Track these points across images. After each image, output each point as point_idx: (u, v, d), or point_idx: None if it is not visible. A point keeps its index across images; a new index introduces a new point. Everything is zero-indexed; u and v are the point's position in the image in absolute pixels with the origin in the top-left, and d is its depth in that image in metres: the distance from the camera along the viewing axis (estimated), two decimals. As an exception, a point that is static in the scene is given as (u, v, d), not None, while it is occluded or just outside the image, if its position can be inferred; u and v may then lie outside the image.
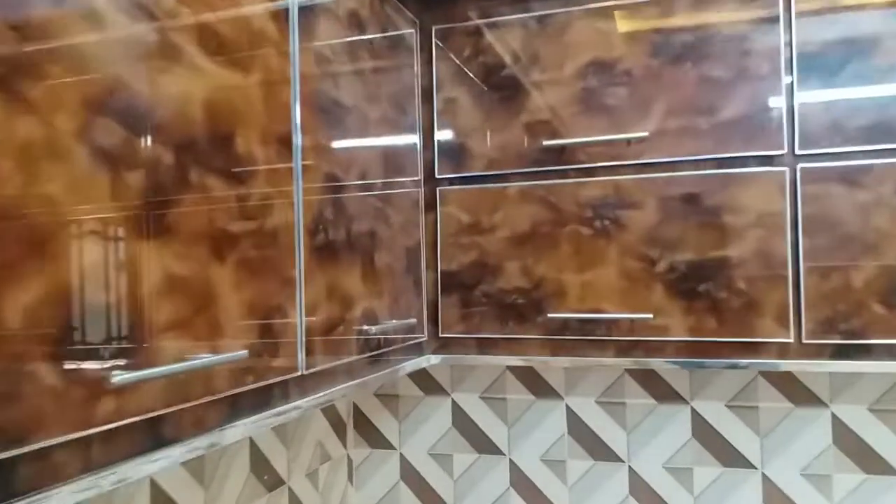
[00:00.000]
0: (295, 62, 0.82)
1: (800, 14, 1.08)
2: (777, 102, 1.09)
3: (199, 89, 0.66)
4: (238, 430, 0.71)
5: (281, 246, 0.79)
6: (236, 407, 0.72)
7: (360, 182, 0.99)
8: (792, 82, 1.09)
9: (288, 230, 0.80)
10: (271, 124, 0.78)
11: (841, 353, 1.07)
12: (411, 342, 1.20)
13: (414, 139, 1.23)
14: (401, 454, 1.60)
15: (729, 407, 1.39)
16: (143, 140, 0.59)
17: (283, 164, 0.80)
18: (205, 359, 0.63)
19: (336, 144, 0.93)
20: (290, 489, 1.35)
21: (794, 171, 1.09)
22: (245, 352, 0.68)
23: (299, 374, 0.82)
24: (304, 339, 0.83)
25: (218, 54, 0.69)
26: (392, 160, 1.13)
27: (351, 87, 0.97)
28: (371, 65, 1.04)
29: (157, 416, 0.61)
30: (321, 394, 0.89)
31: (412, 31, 1.22)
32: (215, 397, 0.68)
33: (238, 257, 0.71)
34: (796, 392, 1.35)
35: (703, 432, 1.40)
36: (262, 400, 0.77)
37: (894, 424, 1.30)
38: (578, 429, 1.48)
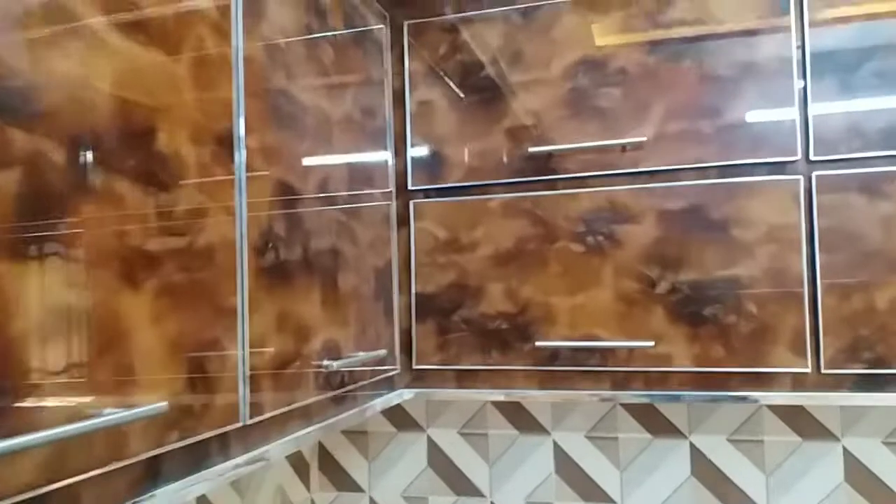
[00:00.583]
0: (238, 44, 0.68)
1: (814, 7, 0.98)
2: (789, 103, 0.98)
3: (105, 69, 0.52)
4: (157, 502, 0.56)
5: (217, 267, 0.64)
6: (157, 472, 0.57)
7: (320, 194, 0.85)
8: (805, 80, 0.98)
9: (227, 248, 0.66)
10: (205, 119, 0.63)
11: (864, 383, 0.95)
12: (381, 376, 1.05)
13: (384, 146, 1.09)
14: (371, 497, 1.44)
15: (731, 441, 1.27)
16: (19, 130, 0.45)
17: (221, 169, 0.65)
18: (107, 417, 0.48)
19: (290, 148, 0.79)
20: (243, 545, 1.19)
21: (808, 180, 0.97)
22: (164, 403, 0.53)
23: (240, 424, 0.67)
24: (247, 380, 0.68)
25: (133, 26, 0.55)
26: (359, 169, 0.99)
27: (309, 82, 0.83)
28: (334, 60, 0.90)
29: (42, 494, 0.46)
30: (270, 445, 0.74)
31: (382, 25, 1.09)
32: (125, 463, 0.53)
33: (158, 283, 0.57)
34: (805, 424, 1.23)
35: (704, 469, 1.28)
36: (194, 459, 0.62)
37: (913, 458, 1.19)
38: (567, 467, 1.34)
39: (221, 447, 0.66)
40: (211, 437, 0.64)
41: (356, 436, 1.46)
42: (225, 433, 0.66)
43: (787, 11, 0.99)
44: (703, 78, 1.01)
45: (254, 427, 0.71)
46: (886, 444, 1.20)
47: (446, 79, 1.11)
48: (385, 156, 1.10)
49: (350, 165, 0.96)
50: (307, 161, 0.82)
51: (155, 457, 0.57)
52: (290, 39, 0.79)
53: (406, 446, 1.43)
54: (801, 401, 0.98)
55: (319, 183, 0.85)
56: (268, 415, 0.72)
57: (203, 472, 0.62)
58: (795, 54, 0.98)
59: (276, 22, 0.76)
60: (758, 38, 1.00)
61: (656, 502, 1.29)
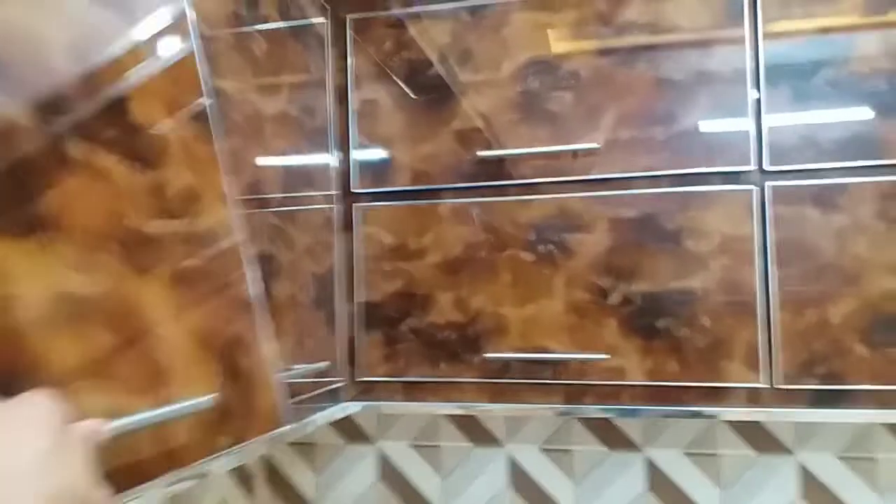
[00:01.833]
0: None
1: (768, 17, 0.95)
2: (743, 112, 0.95)
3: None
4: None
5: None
6: None
7: (250, 196, 0.80)
8: (760, 90, 0.95)
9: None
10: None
11: (819, 399, 0.92)
12: (324, 389, 1.00)
13: (325, 146, 1.04)
14: (318, 512, 1.38)
15: (687, 454, 1.24)
16: None
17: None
18: None
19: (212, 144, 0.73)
20: (176, 566, 1.12)
21: (762, 191, 0.95)
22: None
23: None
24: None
25: None
26: (296, 170, 0.94)
27: (237, 73, 0.78)
28: (267, 52, 0.85)
29: None
30: (194, 464, 0.68)
31: (322, 19, 1.04)
32: None
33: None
34: (760, 438, 1.21)
35: (659, 483, 1.24)
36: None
37: (866, 474, 1.17)
38: (521, 480, 1.30)
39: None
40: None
41: (303, 448, 1.40)
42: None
43: (741, 21, 0.96)
44: (656, 84, 0.98)
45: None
46: (841, 458, 1.18)
47: (393, 77, 1.06)
48: (326, 157, 1.04)
49: (286, 166, 0.90)
50: (233, 158, 0.77)
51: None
52: (213, 24, 0.73)
53: (355, 459, 1.37)
54: (756, 416, 0.95)
55: (248, 184, 0.79)
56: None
57: (140, 487, 0.57)
58: (750, 63, 0.96)
59: (198, 6, 0.70)
60: (712, 46, 0.97)
61: (610, 517, 1.26)
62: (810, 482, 1.19)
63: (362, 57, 1.07)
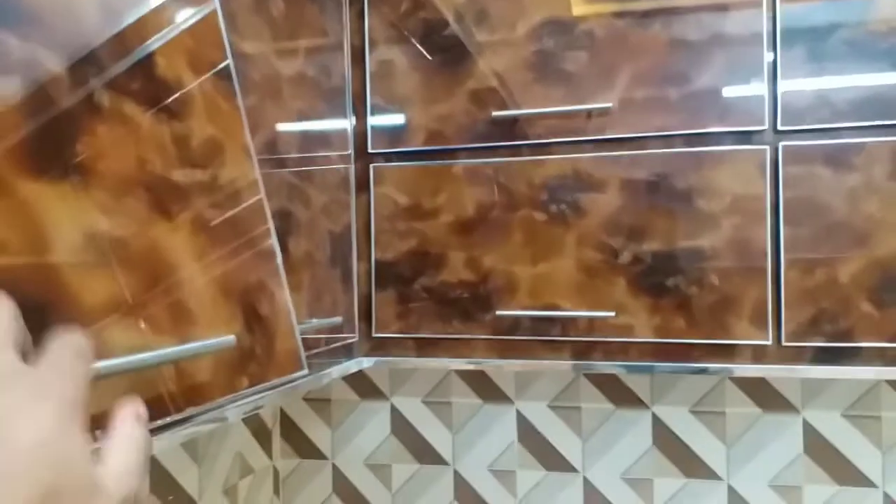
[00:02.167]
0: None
1: (784, -30, 0.95)
2: (758, 72, 0.95)
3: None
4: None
5: (147, 228, 0.61)
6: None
7: (268, 153, 0.81)
8: (775, 50, 0.95)
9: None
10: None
11: (824, 356, 0.94)
12: (338, 343, 1.03)
13: (342, 107, 1.05)
14: (333, 465, 1.43)
15: (693, 412, 1.27)
16: (7, 34, 0.42)
17: (151, 123, 0.62)
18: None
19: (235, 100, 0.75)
20: (199, 511, 1.17)
21: (775, 150, 0.95)
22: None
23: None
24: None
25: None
26: (314, 130, 0.95)
27: (255, 33, 0.79)
28: (284, 13, 0.86)
29: None
30: (230, 407, 0.71)
31: (340, -22, 1.04)
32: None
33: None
34: (766, 396, 1.23)
35: (665, 440, 1.28)
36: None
37: (870, 432, 1.19)
38: (530, 436, 1.34)
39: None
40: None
41: (319, 403, 1.44)
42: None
43: (760, -26, 0.95)
44: (671, 44, 0.98)
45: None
46: (846, 416, 1.20)
47: (408, 37, 1.06)
48: (343, 118, 1.06)
49: (303, 126, 0.92)
50: (250, 117, 0.78)
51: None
52: (234, -11, 0.74)
53: (369, 414, 1.41)
54: (761, 373, 0.97)
55: (266, 142, 0.81)
56: (206, 383, 0.70)
57: (163, 420, 0.60)
58: (766, 24, 0.95)
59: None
60: (728, 6, 0.96)
61: (618, 472, 1.30)
62: (815, 439, 1.21)
63: (379, 18, 1.08)
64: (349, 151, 1.08)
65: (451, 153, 1.06)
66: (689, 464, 1.27)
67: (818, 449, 1.21)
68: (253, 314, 0.63)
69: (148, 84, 0.54)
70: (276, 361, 0.66)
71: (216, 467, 1.23)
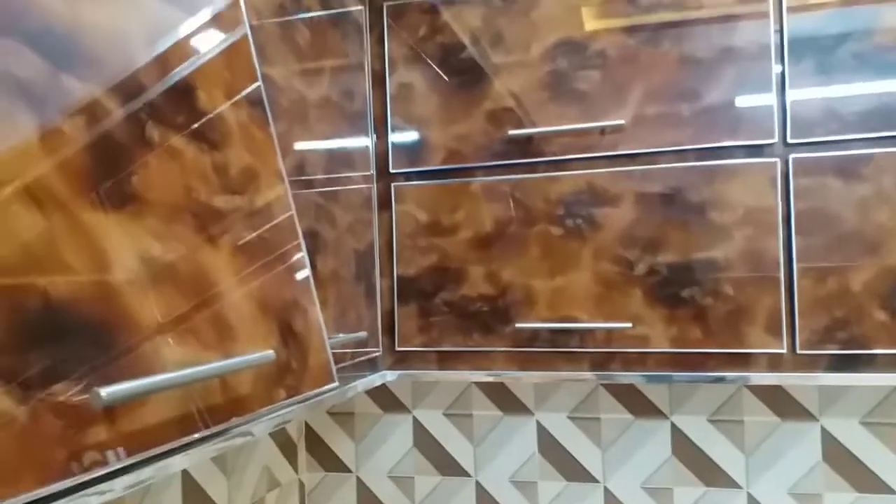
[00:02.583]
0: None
1: (789, -11, 0.98)
2: (766, 85, 0.98)
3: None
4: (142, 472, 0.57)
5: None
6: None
7: (297, 176, 0.85)
8: (783, 64, 0.98)
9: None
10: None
11: (839, 364, 0.96)
12: (363, 358, 1.06)
13: (364, 129, 1.09)
14: (357, 477, 1.46)
15: (711, 421, 1.28)
16: (70, 78, 0.46)
17: (192, 151, 0.66)
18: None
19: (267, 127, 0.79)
20: (229, 523, 1.20)
21: (785, 163, 0.98)
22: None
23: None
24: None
25: None
26: (338, 152, 0.99)
27: (283, 61, 0.83)
28: (310, 42, 0.90)
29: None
30: (257, 423, 0.75)
31: (360, 7, 1.09)
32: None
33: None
34: (784, 405, 1.25)
35: (684, 449, 1.29)
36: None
37: (888, 439, 1.20)
38: (550, 447, 1.36)
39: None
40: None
41: (343, 417, 1.47)
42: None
43: (766, -7, 0.99)
44: (681, 61, 1.01)
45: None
46: (863, 424, 1.21)
47: (427, 61, 1.10)
48: (365, 139, 1.10)
49: (328, 148, 0.96)
50: (284, 142, 0.82)
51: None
52: (263, 21, 0.79)
53: (392, 427, 1.44)
54: (777, 381, 0.99)
55: (294, 164, 0.85)
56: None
57: (187, 446, 0.63)
58: (773, 38, 0.98)
59: (248, 2, 0.76)
60: (736, 22, 0.99)
61: (638, 482, 1.31)
62: (833, 447, 1.23)
63: (398, 42, 1.12)
64: (371, 171, 1.12)
65: (470, 171, 1.10)
66: (709, 472, 1.28)
67: (837, 456, 1.23)
68: (288, 330, 0.67)
69: (190, 116, 0.58)
70: (309, 374, 0.69)
71: (245, 480, 1.26)
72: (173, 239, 0.54)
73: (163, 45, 0.57)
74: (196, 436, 0.58)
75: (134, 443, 0.50)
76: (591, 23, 1.04)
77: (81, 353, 0.45)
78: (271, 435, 1.36)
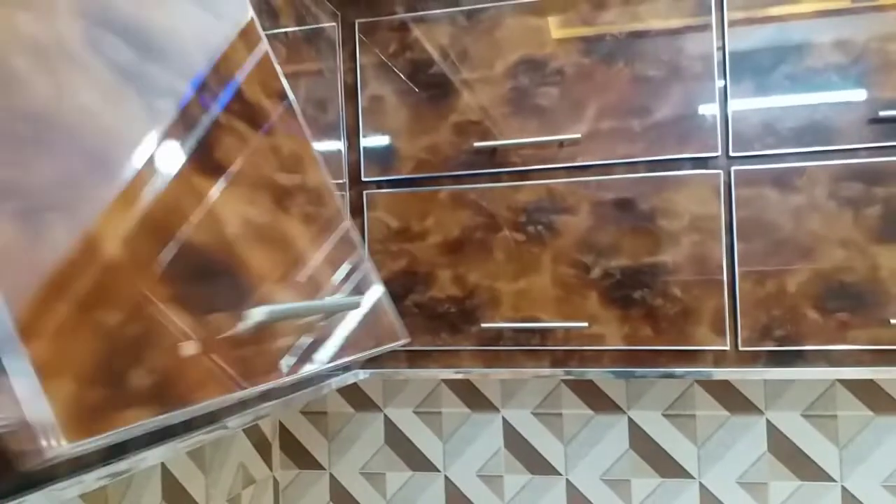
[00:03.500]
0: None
1: (732, 21, 1.06)
2: (710, 103, 1.07)
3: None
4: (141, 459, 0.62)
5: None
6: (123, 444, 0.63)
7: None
8: (725, 83, 1.07)
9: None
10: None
11: (776, 359, 1.05)
12: (336, 356, 1.11)
13: (338, 138, 1.15)
14: (331, 474, 1.51)
15: (666, 416, 1.36)
16: (154, 65, 0.52)
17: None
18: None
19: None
20: (206, 518, 1.25)
21: (728, 174, 1.06)
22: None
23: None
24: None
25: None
26: (312, 161, 1.05)
27: (261, 80, 0.89)
28: (286, 58, 0.96)
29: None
30: (232, 417, 0.80)
31: (333, 24, 1.15)
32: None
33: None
34: (732, 400, 1.33)
35: (641, 442, 1.37)
36: (161, 433, 0.68)
37: (827, 430, 1.29)
38: (515, 442, 1.43)
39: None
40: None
41: (316, 416, 1.52)
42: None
43: (709, 21, 1.07)
44: (633, 79, 1.09)
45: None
46: (805, 416, 1.30)
47: (397, 75, 1.17)
48: (338, 148, 1.16)
49: (304, 158, 1.01)
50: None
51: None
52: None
53: (364, 425, 1.50)
54: (721, 375, 1.07)
55: (273, 175, 0.90)
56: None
57: (165, 442, 0.69)
58: (717, 60, 1.07)
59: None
60: (682, 44, 1.08)
61: (598, 473, 1.39)
62: (778, 438, 1.31)
63: (369, 57, 1.18)
64: (344, 180, 1.18)
65: (438, 180, 1.16)
66: (664, 464, 1.36)
67: (781, 447, 1.31)
68: (358, 291, 0.74)
69: (245, 107, 0.66)
70: (385, 330, 0.78)
71: (221, 477, 1.31)
72: (260, 206, 0.61)
73: (209, 47, 0.63)
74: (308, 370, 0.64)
75: (260, 371, 0.56)
76: (549, 43, 1.12)
77: (224, 291, 0.53)
78: (246, 433, 1.40)
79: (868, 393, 1.28)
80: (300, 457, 1.53)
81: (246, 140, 0.64)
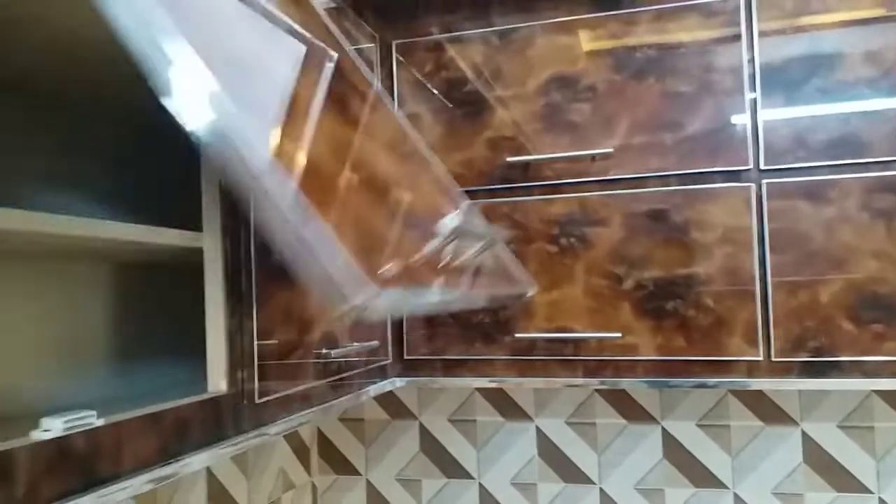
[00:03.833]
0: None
1: (763, 33, 1.08)
2: (741, 117, 1.08)
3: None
4: (174, 468, 0.66)
5: (229, 268, 0.75)
6: (185, 437, 0.67)
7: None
8: (756, 96, 1.08)
9: (237, 251, 0.76)
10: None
11: (810, 370, 1.05)
12: (374, 365, 1.15)
13: (376, 156, 1.19)
14: (367, 480, 1.55)
15: (700, 426, 1.37)
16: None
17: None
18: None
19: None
20: (249, 521, 1.29)
21: (759, 187, 1.08)
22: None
23: (250, 402, 0.78)
24: (255, 364, 0.79)
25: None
26: (352, 177, 1.09)
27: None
28: (329, 79, 1.01)
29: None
30: (276, 424, 0.84)
31: (372, 45, 1.20)
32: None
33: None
34: (767, 410, 1.34)
35: (675, 452, 1.38)
36: (212, 431, 0.72)
37: (863, 441, 1.29)
38: (549, 451, 1.45)
39: (234, 422, 0.76)
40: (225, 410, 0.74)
41: (353, 423, 1.56)
42: (239, 407, 0.76)
43: (739, 37, 1.09)
44: (664, 94, 1.11)
45: (261, 406, 0.81)
46: (841, 427, 1.30)
47: (433, 93, 1.21)
48: (377, 164, 1.20)
49: (345, 175, 1.06)
50: (306, 172, 0.93)
51: (184, 425, 0.67)
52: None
53: (400, 433, 1.53)
54: (755, 386, 1.08)
55: (317, 192, 0.95)
56: (273, 395, 0.83)
57: (210, 447, 0.73)
58: (747, 75, 1.08)
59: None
60: (713, 60, 1.10)
61: (631, 483, 1.40)
62: (813, 449, 1.31)
63: (406, 76, 1.23)
64: (382, 194, 1.22)
65: (473, 194, 1.20)
66: (698, 474, 1.37)
67: (817, 458, 1.31)
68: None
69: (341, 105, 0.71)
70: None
71: (263, 482, 1.35)
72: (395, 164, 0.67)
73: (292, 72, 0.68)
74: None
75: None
76: (581, 61, 1.14)
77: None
78: (286, 439, 1.45)
79: (906, 404, 1.27)
80: (338, 463, 1.57)
81: (370, 133, 0.72)
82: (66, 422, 0.55)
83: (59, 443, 0.54)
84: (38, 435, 0.53)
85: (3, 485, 0.49)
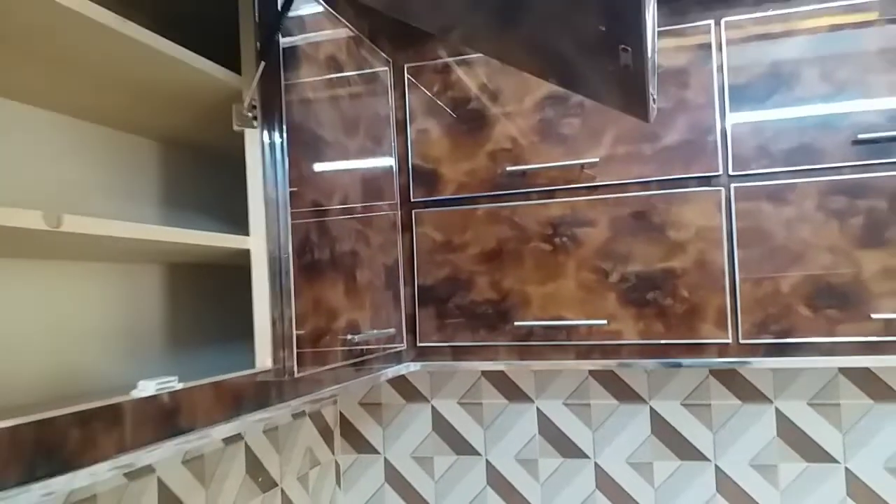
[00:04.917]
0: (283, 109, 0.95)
1: (730, 55, 1.22)
2: (712, 129, 1.23)
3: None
4: (233, 426, 0.82)
5: (273, 266, 0.91)
6: (240, 404, 0.83)
7: (341, 206, 1.11)
8: (725, 111, 1.23)
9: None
10: (264, 161, 0.90)
11: (773, 350, 1.20)
12: (391, 350, 1.31)
13: (390, 166, 1.35)
14: (385, 458, 1.71)
15: (684, 405, 1.52)
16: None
17: (274, 195, 0.92)
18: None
19: (321, 174, 1.05)
20: (282, 491, 1.46)
21: (728, 190, 1.22)
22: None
23: (290, 377, 0.94)
24: (294, 346, 0.95)
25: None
26: (371, 186, 1.25)
27: (331, 122, 1.09)
28: (349, 101, 1.16)
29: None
30: (311, 395, 1.00)
31: (386, 69, 1.35)
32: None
33: (237, 276, 0.83)
34: (743, 390, 1.48)
35: (662, 429, 1.53)
36: (262, 398, 0.88)
37: (831, 417, 1.43)
38: (548, 429, 1.60)
39: (278, 393, 0.92)
40: (271, 383, 0.90)
41: (372, 407, 1.72)
42: (280, 382, 0.92)
43: (710, 59, 1.23)
44: (644, 109, 1.26)
45: (299, 381, 0.97)
46: (810, 404, 1.45)
47: (441, 110, 1.37)
48: (391, 174, 1.36)
49: (363, 184, 1.22)
50: (331, 182, 1.08)
51: (240, 393, 0.83)
52: (316, 91, 1.05)
53: (414, 415, 1.69)
54: (724, 366, 1.23)
55: (341, 199, 1.11)
56: (308, 372, 0.99)
57: (263, 409, 0.89)
58: (717, 93, 1.23)
59: (307, 80, 1.02)
60: (688, 80, 1.24)
61: (623, 457, 1.55)
62: (786, 425, 1.46)
63: (417, 96, 1.39)
64: (396, 200, 1.38)
65: (476, 199, 1.35)
66: (683, 448, 1.51)
67: (789, 433, 1.46)
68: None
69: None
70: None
71: (293, 457, 1.52)
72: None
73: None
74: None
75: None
76: (572, 79, 1.29)
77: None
78: (312, 420, 1.61)
79: (868, 382, 1.42)
80: (358, 443, 1.73)
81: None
82: (158, 384, 0.71)
83: (152, 400, 0.70)
84: (136, 393, 0.69)
85: (115, 428, 0.66)
